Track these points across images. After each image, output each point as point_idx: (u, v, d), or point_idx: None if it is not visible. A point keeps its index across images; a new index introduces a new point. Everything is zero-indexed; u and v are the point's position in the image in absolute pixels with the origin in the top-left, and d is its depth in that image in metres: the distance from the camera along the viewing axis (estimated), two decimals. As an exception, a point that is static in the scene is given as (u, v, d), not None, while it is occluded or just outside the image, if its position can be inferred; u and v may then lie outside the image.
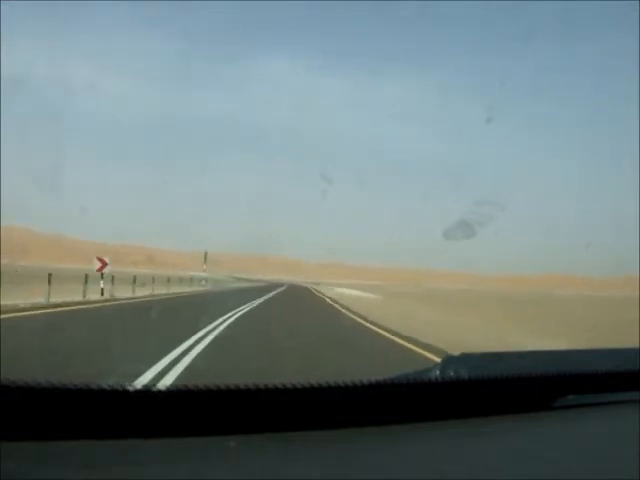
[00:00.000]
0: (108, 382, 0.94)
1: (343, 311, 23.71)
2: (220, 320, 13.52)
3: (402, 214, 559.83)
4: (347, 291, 66.62)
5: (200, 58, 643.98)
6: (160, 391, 0.99)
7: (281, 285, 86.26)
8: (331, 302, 32.23)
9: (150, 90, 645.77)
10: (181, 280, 42.00)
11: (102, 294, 21.42)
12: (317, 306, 27.82)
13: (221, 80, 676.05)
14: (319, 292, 60.00)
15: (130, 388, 0.96)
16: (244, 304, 21.88)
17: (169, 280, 33.18)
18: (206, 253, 56.29)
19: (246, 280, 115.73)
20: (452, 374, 1.27)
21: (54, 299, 16.24)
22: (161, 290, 30.26)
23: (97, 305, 17.62)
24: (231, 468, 0.91)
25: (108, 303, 19.01)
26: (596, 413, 1.37)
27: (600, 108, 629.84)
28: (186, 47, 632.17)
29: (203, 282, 48.75)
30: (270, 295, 38.23)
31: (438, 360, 1.39)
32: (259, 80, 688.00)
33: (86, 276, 19.95)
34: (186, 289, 37.43)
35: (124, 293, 23.70)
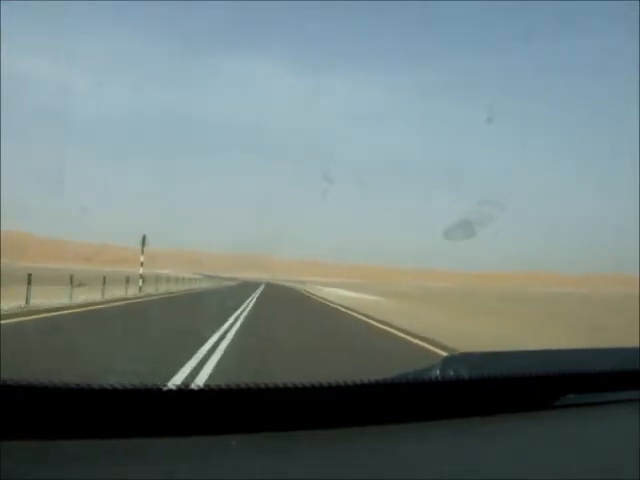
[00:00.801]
0: (109, 381, 0.94)
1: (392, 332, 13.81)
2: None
3: (380, 214, 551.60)
4: (340, 292, 56.06)
5: (199, 58, 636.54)
6: (161, 391, 0.98)
7: (258, 284, 74.33)
8: (365, 319, 18.57)
9: (150, 90, 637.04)
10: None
11: None
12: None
13: (219, 81, 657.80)
14: (311, 293, 47.99)
15: (131, 387, 0.95)
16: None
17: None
18: (144, 238, 33.13)
19: (219, 279, 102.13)
20: (452, 373, 1.26)
21: None
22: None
23: None
24: (232, 467, 0.91)
25: None
26: (596, 412, 1.36)
27: (600, 108, 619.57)
28: (184, 46, 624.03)
29: (140, 283, 31.29)
30: (254, 299, 27.67)
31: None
32: (257, 80, 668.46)
33: None
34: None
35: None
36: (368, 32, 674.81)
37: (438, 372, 1.27)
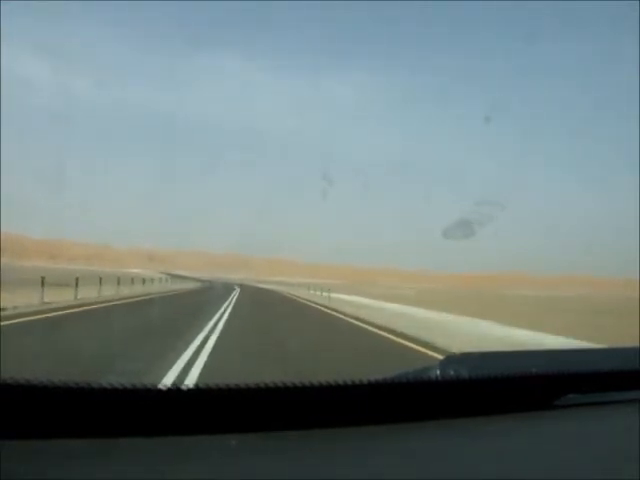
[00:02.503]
0: (109, 381, 0.94)
1: None
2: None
3: (362, 215, 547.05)
4: (381, 304, 31.62)
5: (199, 58, 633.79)
6: (160, 390, 0.98)
7: (230, 289, 51.30)
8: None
9: (149, 90, 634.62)
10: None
11: None
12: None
13: (219, 80, 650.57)
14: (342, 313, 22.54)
15: (130, 387, 0.95)
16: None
17: None
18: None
19: (181, 279, 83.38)
20: (452, 373, 1.26)
21: None
22: None
23: None
24: (231, 466, 0.91)
25: None
26: (597, 412, 1.36)
27: (600, 108, 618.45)
28: (185, 47, 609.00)
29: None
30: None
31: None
32: (254, 80, 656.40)
33: None
34: None
35: None
36: (368, 33, 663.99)
37: (438, 372, 1.27)
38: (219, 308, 21.49)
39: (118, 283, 29.84)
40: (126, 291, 30.44)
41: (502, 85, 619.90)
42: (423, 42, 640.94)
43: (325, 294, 41.56)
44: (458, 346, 10.43)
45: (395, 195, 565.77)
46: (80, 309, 17.38)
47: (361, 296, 31.54)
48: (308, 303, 31.45)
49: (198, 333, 11.94)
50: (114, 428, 0.92)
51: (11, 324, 11.95)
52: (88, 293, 22.66)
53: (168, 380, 6.69)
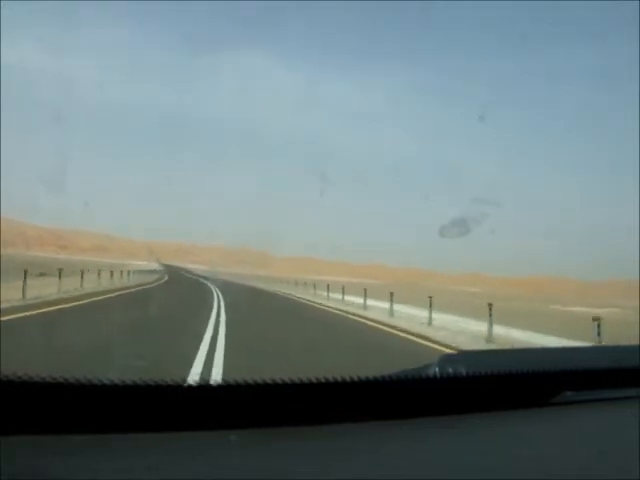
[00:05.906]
0: (109, 377, 0.94)
1: None
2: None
3: (375, 212, 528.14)
4: None
5: (198, 56, 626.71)
6: (160, 386, 0.99)
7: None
8: None
9: (149, 89, 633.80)
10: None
11: None
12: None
13: (219, 78, 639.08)
14: None
15: (131, 384, 0.96)
16: None
17: None
18: None
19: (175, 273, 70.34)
20: (450, 371, 1.26)
21: None
22: None
23: None
24: (231, 462, 0.92)
25: None
26: (593, 410, 1.36)
27: (598, 108, 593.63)
28: (187, 46, 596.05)
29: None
30: None
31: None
32: (256, 78, 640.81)
33: None
34: None
35: None
36: (367, 33, 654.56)
37: (436, 370, 1.27)
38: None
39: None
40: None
41: (502, 85, 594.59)
42: (421, 41, 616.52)
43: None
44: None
45: (415, 194, 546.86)
46: None
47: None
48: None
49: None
50: (114, 425, 0.92)
51: None
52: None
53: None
